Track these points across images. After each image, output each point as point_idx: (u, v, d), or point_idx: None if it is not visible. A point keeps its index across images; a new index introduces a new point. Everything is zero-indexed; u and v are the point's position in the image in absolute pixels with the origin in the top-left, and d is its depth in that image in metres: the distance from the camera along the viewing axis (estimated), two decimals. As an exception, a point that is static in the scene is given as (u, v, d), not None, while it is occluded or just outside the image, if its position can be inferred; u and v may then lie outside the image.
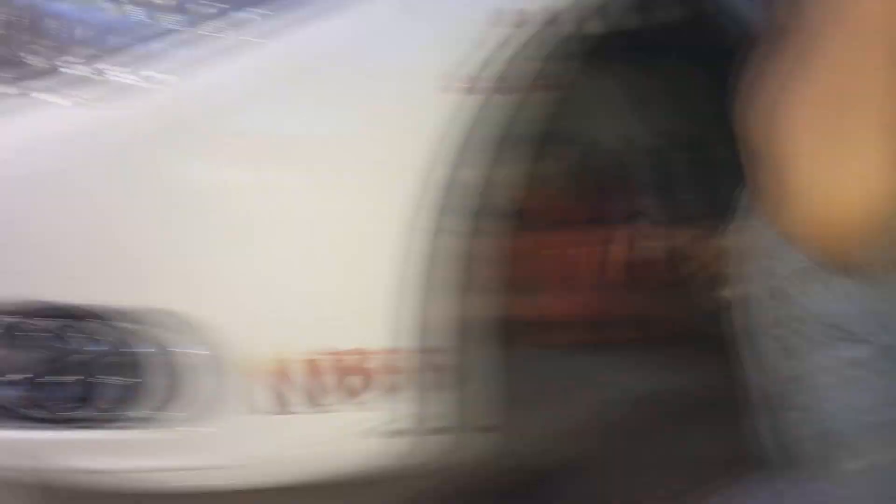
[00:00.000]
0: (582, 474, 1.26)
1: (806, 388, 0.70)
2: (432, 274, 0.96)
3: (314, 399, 0.93)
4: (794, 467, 0.75)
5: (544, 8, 0.99)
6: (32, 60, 0.97)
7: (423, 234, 0.95)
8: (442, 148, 0.95)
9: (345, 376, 0.93)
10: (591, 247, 1.27)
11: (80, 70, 0.94)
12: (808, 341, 0.68)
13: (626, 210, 1.40)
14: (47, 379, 0.94)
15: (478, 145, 1.33)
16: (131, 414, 0.93)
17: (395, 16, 0.93)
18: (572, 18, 1.44)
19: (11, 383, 0.94)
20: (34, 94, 0.94)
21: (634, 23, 1.37)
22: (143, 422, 0.93)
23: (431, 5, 0.96)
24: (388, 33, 0.95)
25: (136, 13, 0.97)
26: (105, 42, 0.96)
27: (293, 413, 0.92)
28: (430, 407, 0.97)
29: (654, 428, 1.18)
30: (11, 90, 0.96)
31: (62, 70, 0.94)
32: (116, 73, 0.93)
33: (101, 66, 0.93)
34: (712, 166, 1.41)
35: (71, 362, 0.94)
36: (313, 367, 0.92)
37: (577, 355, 1.49)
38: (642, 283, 1.41)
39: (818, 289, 0.65)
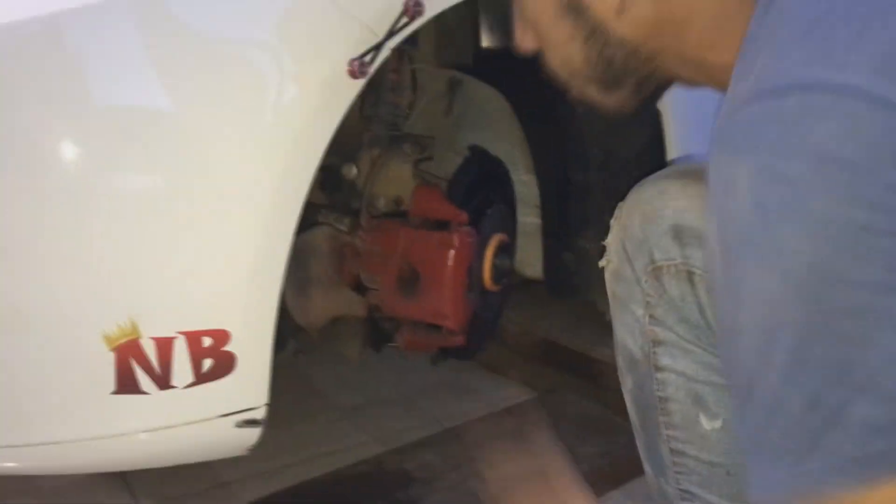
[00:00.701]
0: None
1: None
2: (297, 264, 0.93)
3: (164, 379, 0.87)
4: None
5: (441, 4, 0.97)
6: None
7: (289, 223, 0.92)
8: (319, 129, 0.92)
9: (198, 358, 0.88)
10: (463, 251, 1.26)
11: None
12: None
13: (501, 219, 1.42)
14: None
15: (361, 141, 1.34)
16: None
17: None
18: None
19: None
20: None
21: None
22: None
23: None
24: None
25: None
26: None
27: (143, 393, 0.87)
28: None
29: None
30: None
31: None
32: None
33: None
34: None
35: None
36: (164, 346, 0.87)
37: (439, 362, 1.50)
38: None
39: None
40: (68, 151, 0.85)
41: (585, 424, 1.47)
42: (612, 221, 0.89)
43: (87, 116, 0.85)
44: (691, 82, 0.73)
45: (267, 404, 0.94)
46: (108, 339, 0.85)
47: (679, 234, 0.82)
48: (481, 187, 1.37)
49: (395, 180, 1.35)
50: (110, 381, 0.86)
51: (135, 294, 0.87)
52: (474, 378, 1.68)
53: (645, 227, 0.84)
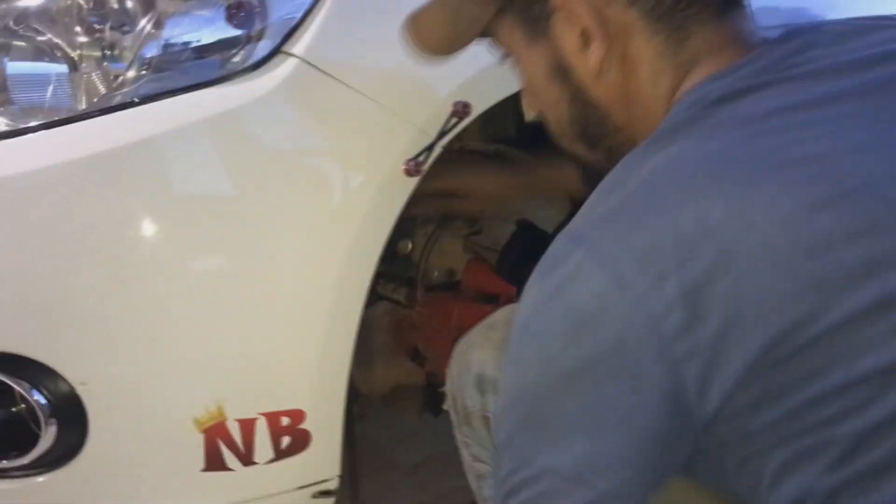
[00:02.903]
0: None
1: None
2: (360, 337, 1.02)
3: (247, 457, 0.96)
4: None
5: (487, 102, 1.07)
6: None
7: (356, 305, 1.01)
8: (379, 223, 1.01)
9: (277, 436, 0.97)
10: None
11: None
12: None
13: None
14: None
15: (415, 219, 1.43)
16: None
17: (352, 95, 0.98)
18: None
19: None
20: None
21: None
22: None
23: (396, 92, 1.01)
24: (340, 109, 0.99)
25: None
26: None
27: (229, 470, 0.96)
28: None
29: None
30: None
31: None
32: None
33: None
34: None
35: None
36: (247, 427, 0.96)
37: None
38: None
39: None
40: (156, 241, 0.95)
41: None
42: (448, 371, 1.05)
43: (173, 211, 0.94)
44: None
45: (339, 475, 1.02)
46: (197, 422, 0.94)
47: (480, 383, 0.98)
48: (529, 260, 1.45)
49: (448, 254, 1.44)
50: (200, 459, 0.96)
51: (220, 379, 0.96)
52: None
53: (460, 377, 1.00)
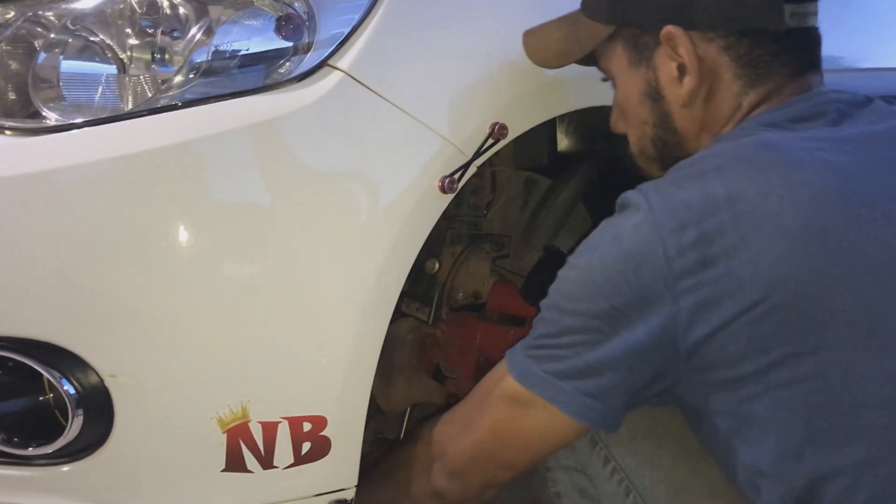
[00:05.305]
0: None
1: None
2: (383, 353, 1.03)
3: (267, 460, 0.97)
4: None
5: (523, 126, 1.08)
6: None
7: (384, 317, 1.02)
8: (411, 237, 1.03)
9: (298, 442, 0.98)
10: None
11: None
12: None
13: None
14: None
15: (443, 239, 1.44)
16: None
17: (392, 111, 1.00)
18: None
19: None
20: None
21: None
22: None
23: (436, 110, 1.03)
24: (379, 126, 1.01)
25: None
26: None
27: (249, 472, 0.97)
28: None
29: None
30: None
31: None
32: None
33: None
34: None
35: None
36: (270, 430, 0.97)
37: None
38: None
39: None
40: (191, 242, 0.96)
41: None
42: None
43: (208, 213, 0.96)
44: None
45: (356, 486, 1.03)
46: (221, 421, 0.95)
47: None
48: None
49: (474, 276, 1.45)
50: (221, 459, 0.96)
51: (246, 381, 0.97)
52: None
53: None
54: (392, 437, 1.48)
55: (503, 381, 0.93)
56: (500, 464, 0.97)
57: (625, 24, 0.95)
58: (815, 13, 0.91)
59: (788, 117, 0.87)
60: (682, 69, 0.91)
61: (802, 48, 0.91)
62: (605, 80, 1.02)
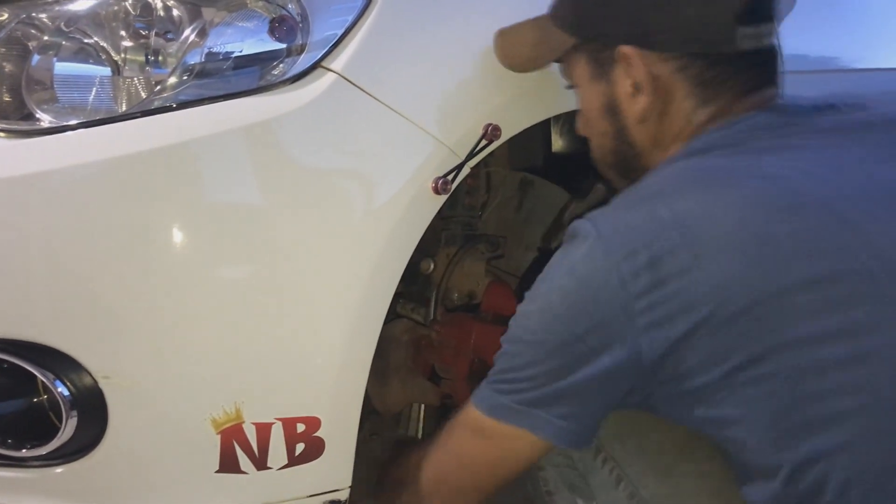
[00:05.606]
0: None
1: None
2: (378, 353, 1.03)
3: (261, 461, 0.97)
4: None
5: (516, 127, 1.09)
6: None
7: (377, 319, 1.02)
8: (405, 238, 1.03)
9: (292, 443, 0.98)
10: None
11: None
12: None
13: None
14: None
15: (438, 239, 1.44)
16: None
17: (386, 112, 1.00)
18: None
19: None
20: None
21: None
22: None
23: (429, 112, 1.03)
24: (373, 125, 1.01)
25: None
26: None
27: (242, 473, 0.97)
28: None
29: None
30: None
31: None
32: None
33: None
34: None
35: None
36: (263, 431, 0.97)
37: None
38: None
39: None
40: (184, 243, 0.96)
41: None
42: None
43: (202, 214, 0.96)
44: None
45: (350, 486, 1.03)
46: (215, 422, 0.96)
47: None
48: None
49: (469, 276, 1.45)
50: (215, 460, 0.97)
51: (240, 382, 0.97)
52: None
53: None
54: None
55: (467, 413, 0.95)
56: (469, 489, 0.99)
57: (587, 38, 0.98)
58: (770, 34, 0.93)
59: (729, 137, 0.90)
60: (637, 87, 0.94)
61: (757, 67, 0.93)
62: (569, 87, 1.04)
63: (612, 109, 0.98)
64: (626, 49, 0.93)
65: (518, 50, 1.05)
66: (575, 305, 0.84)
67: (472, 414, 0.94)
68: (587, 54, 0.99)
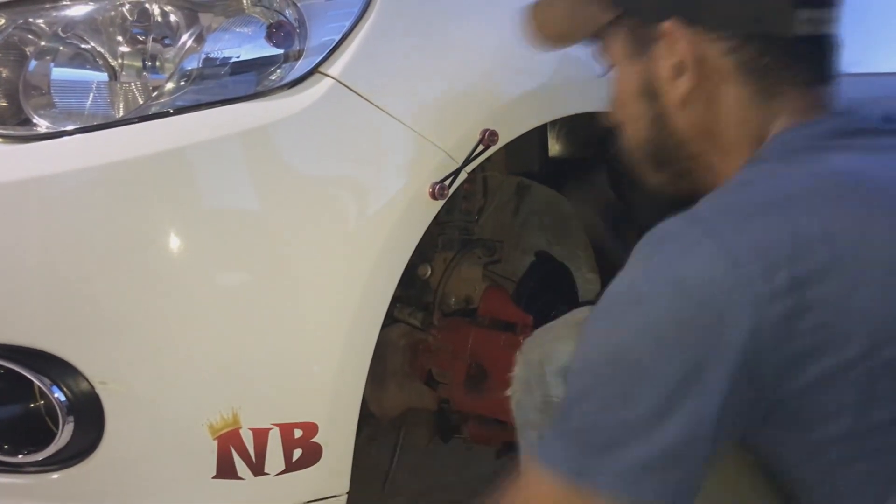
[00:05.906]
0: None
1: None
2: (375, 358, 1.03)
3: (258, 466, 0.97)
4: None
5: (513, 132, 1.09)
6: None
7: (374, 324, 1.02)
8: (401, 243, 1.03)
9: (289, 448, 0.98)
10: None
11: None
12: None
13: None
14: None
15: (435, 244, 1.45)
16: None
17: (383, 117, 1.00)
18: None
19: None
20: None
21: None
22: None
23: (426, 117, 1.03)
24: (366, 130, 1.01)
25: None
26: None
27: (239, 478, 0.97)
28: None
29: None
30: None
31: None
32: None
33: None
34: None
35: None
36: (261, 436, 0.97)
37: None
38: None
39: None
40: (181, 249, 0.96)
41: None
42: (517, 355, 1.01)
43: (199, 219, 0.96)
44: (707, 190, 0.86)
45: (347, 492, 1.03)
46: (212, 428, 0.95)
47: (567, 374, 0.94)
48: (547, 290, 1.47)
49: (466, 281, 1.45)
50: (212, 466, 0.96)
51: (237, 387, 0.97)
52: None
53: (540, 365, 0.97)
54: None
55: (539, 485, 0.74)
56: None
57: (628, 10, 0.88)
58: (831, 20, 0.83)
59: (834, 132, 0.80)
60: (679, 67, 0.84)
61: (815, 58, 0.84)
62: (602, 75, 0.95)
63: (650, 92, 0.87)
64: (671, 24, 0.83)
65: (552, 23, 0.95)
66: (694, 328, 0.68)
67: (542, 483, 0.73)
68: (626, 29, 0.88)
